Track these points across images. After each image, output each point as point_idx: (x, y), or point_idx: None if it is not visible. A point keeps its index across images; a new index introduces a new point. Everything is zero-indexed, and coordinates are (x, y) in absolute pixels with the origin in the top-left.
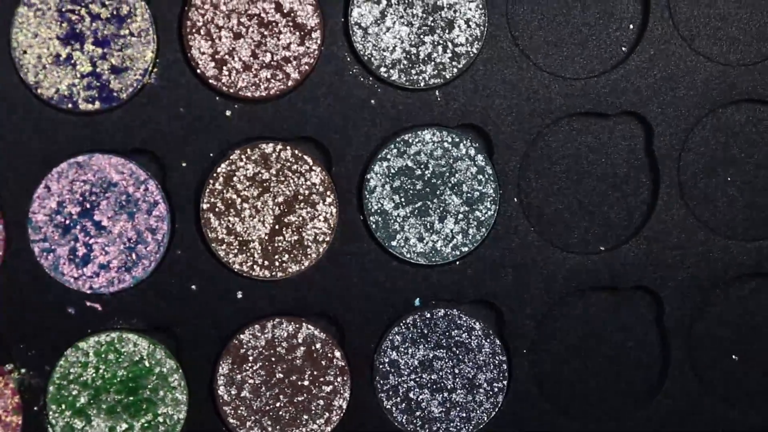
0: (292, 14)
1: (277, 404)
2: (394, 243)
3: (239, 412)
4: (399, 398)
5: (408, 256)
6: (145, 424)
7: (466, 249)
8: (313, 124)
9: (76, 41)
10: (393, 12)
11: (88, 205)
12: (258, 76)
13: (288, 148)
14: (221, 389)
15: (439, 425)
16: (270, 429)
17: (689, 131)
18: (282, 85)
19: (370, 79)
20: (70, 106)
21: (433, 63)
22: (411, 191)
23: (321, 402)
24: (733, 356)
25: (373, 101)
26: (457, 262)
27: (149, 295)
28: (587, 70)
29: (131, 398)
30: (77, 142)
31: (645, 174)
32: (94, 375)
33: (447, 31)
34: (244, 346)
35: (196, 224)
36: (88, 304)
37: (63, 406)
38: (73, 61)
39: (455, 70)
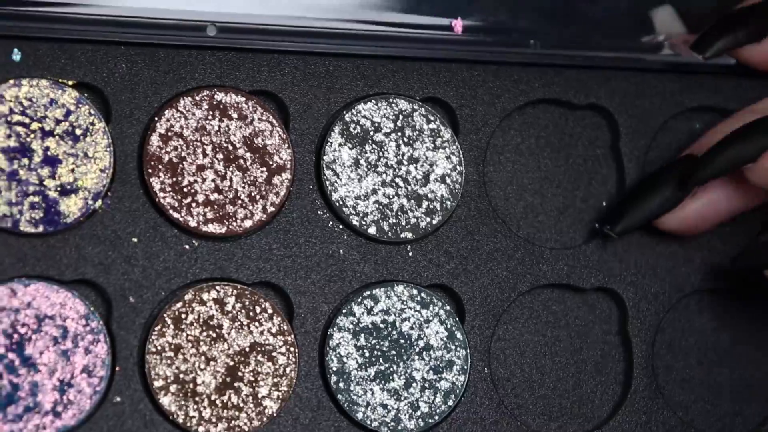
0: (261, 150)
1: None
2: (355, 408)
3: None
4: None
5: (370, 423)
6: None
7: (431, 420)
8: (276, 268)
9: (23, 156)
10: (367, 160)
11: (18, 338)
12: (221, 212)
13: (247, 292)
14: None
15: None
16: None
17: (665, 313)
18: (247, 223)
19: (340, 226)
20: (9, 225)
21: (406, 216)
22: (376, 351)
23: None
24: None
25: (341, 251)
26: None
27: None
28: (561, 241)
29: None
30: (14, 267)
31: (619, 357)
32: None
33: (422, 184)
34: None
35: (139, 369)
36: None
37: None
38: (18, 178)
39: (429, 226)
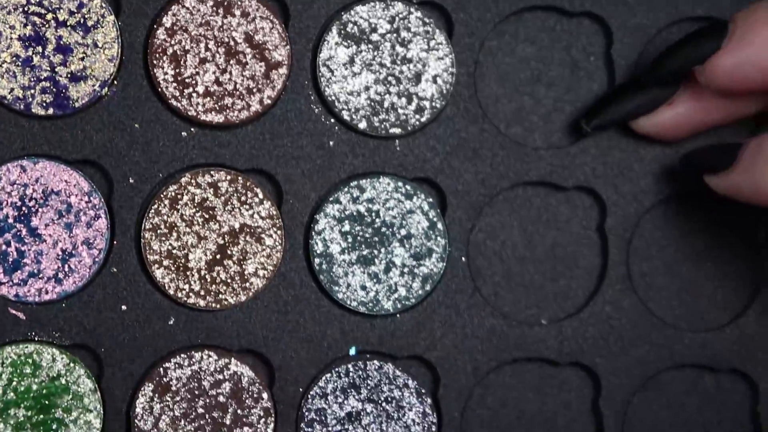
0: (261, 46)
1: None
2: (336, 288)
3: None
4: None
5: (349, 303)
6: None
7: (408, 303)
8: (268, 157)
9: (38, 44)
10: (362, 59)
11: (26, 210)
12: (219, 103)
13: (240, 178)
14: (138, 417)
15: None
16: None
17: (641, 215)
18: (242, 114)
19: (332, 120)
20: (22, 107)
21: (396, 113)
22: (359, 238)
23: None
24: None
25: (331, 143)
26: (398, 315)
27: (76, 311)
28: (548, 142)
29: (42, 416)
30: (24, 146)
31: (596, 252)
32: (5, 387)
33: (414, 83)
34: (168, 375)
35: (136, 244)
36: (11, 311)
37: None
38: (32, 64)
39: (418, 123)
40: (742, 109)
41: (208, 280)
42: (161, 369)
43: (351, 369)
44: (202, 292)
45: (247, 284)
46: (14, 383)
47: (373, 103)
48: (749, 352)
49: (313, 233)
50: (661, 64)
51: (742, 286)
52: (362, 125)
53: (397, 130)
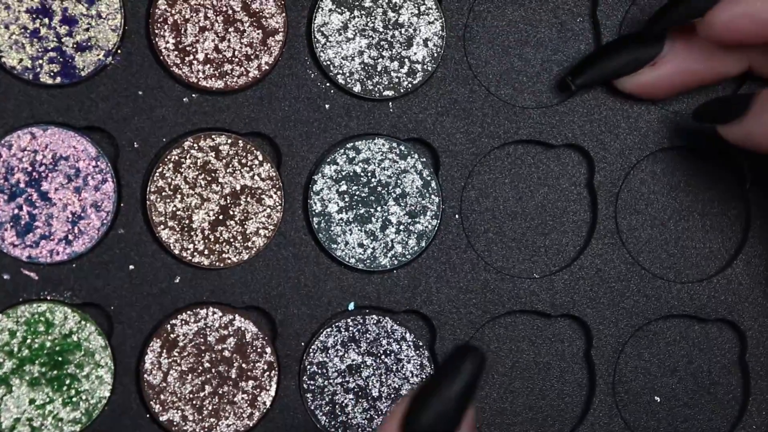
0: (258, 14)
1: (202, 394)
2: (334, 246)
3: (163, 397)
4: (324, 400)
5: (347, 260)
6: (66, 400)
7: (404, 259)
8: (266, 121)
9: (44, 16)
10: (355, 24)
11: (36, 176)
12: (218, 70)
13: (240, 141)
14: (147, 372)
15: (360, 430)
16: (191, 418)
17: (629, 171)
18: (242, 80)
19: (327, 84)
20: (30, 77)
21: (389, 76)
22: (356, 197)
23: (246, 396)
24: (656, 398)
25: (327, 106)
26: (395, 271)
27: (86, 271)
28: (537, 101)
29: (55, 372)
30: (34, 114)
31: (585, 207)
32: (20, 344)
33: (405, 47)
34: (175, 332)
35: (142, 206)
36: (24, 272)
37: None
38: (39, 35)
39: (410, 85)
40: (724, 70)
41: (212, 239)
42: (168, 325)
43: (350, 323)
44: (206, 252)
45: (249, 243)
46: (28, 341)
47: (366, 67)
48: (737, 301)
49: (312, 193)
50: (663, 16)
51: (728, 237)
52: (357, 88)
53: (390, 93)
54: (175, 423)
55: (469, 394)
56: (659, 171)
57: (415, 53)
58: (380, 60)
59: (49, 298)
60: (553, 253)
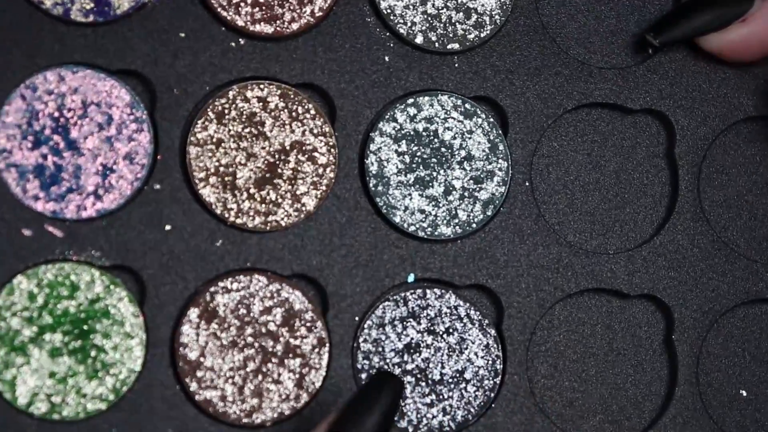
0: None
1: (243, 372)
2: (393, 211)
3: (200, 374)
4: None
5: (407, 227)
6: (91, 374)
7: (469, 228)
8: (320, 71)
9: None
10: None
11: (63, 122)
12: (268, 14)
13: (290, 92)
14: (183, 346)
15: (419, 416)
16: (231, 398)
17: (713, 141)
18: (294, 26)
19: (387, 34)
20: (60, 13)
21: (454, 28)
22: (416, 158)
23: (292, 375)
24: (742, 391)
25: (387, 57)
26: (459, 241)
27: (118, 229)
28: (611, 63)
29: (80, 342)
30: (63, 54)
31: (665, 179)
32: (41, 309)
33: None
34: (215, 300)
35: (181, 159)
36: (48, 228)
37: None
38: None
39: (477, 39)
40: None
41: (258, 199)
42: (208, 294)
43: (409, 297)
44: (251, 213)
45: (299, 205)
46: (50, 306)
47: (429, 18)
48: None
49: (369, 152)
50: None
51: None
52: (419, 40)
53: (455, 46)
54: (213, 403)
55: (386, 424)
56: (746, 141)
57: (483, 4)
58: (444, 10)
59: (74, 258)
60: (629, 228)
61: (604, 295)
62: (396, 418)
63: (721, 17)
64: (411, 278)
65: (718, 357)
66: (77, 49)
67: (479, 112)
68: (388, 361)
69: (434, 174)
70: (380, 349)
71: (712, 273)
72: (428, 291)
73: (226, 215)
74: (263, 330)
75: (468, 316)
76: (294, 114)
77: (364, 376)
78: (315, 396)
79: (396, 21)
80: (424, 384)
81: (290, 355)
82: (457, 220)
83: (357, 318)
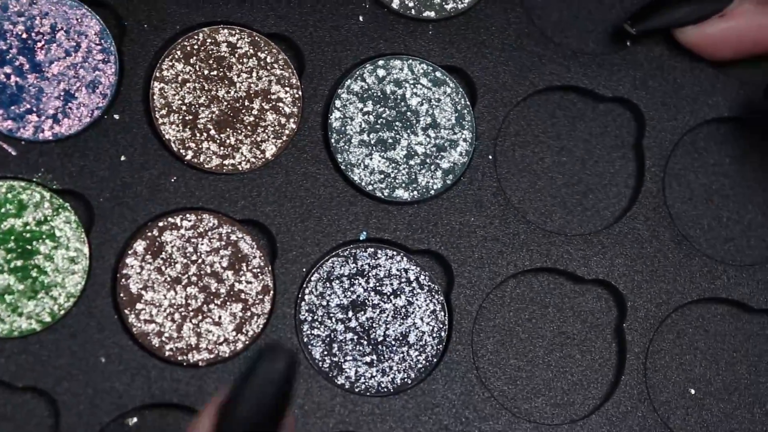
0: None
1: (184, 310)
2: (352, 168)
3: (139, 307)
4: (320, 335)
5: (364, 186)
6: (30, 294)
7: (427, 194)
8: (292, 23)
9: None
10: None
11: (31, 44)
12: None
13: (261, 41)
14: (126, 277)
15: (357, 374)
16: (168, 335)
17: (682, 135)
18: None
19: None
20: None
21: None
22: (381, 119)
23: (233, 318)
24: (690, 389)
25: (361, 18)
26: (415, 205)
27: (73, 155)
28: (589, 49)
29: (21, 261)
30: None
31: (631, 169)
32: None
33: None
34: (163, 236)
35: (144, 94)
36: (2, 145)
37: None
38: None
39: (454, 9)
40: None
41: (217, 141)
42: (156, 228)
43: (359, 255)
44: (209, 153)
45: (258, 152)
46: None
47: None
48: None
49: (334, 108)
50: None
51: None
52: (395, 4)
53: (431, 14)
54: (149, 337)
55: (285, 402)
56: (713, 141)
57: None
58: None
59: (26, 178)
60: (590, 214)
61: (558, 276)
62: (334, 374)
63: (700, 10)
64: (363, 236)
65: (668, 352)
66: None
67: (449, 81)
68: (332, 316)
69: (398, 137)
70: (325, 303)
71: (669, 267)
72: (379, 251)
73: (184, 153)
74: (208, 270)
75: (417, 281)
76: (262, 63)
77: (306, 327)
78: (253, 342)
79: None
80: (365, 343)
81: (233, 299)
82: (415, 185)
83: (304, 270)
